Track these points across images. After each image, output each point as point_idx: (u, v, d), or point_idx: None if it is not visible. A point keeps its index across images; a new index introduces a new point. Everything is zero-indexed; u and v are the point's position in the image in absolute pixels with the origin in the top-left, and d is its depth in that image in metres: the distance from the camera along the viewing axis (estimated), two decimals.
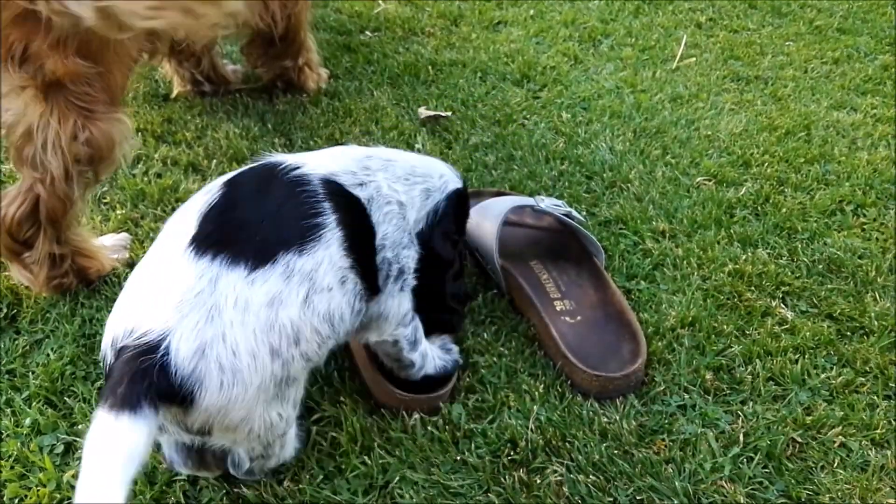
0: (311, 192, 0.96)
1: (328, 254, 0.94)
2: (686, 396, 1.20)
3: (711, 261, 1.47)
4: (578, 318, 1.30)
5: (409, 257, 1.08)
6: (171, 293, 0.86)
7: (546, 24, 2.38)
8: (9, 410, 1.14)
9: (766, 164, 1.75)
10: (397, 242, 1.06)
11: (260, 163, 1.02)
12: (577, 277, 1.39)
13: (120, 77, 1.27)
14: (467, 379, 1.21)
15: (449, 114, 1.90)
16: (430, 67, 2.10)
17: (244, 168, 1.03)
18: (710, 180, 1.70)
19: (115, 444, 0.77)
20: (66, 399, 1.16)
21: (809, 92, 2.08)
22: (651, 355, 1.26)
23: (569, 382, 1.20)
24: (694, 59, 2.23)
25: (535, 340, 1.28)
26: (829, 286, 1.43)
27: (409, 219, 1.09)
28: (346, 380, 1.21)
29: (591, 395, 1.18)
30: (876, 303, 1.40)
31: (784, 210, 1.61)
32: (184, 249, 0.89)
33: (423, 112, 1.90)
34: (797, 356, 1.28)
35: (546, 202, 1.44)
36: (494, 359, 1.24)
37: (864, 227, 1.59)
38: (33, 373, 1.20)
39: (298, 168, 0.99)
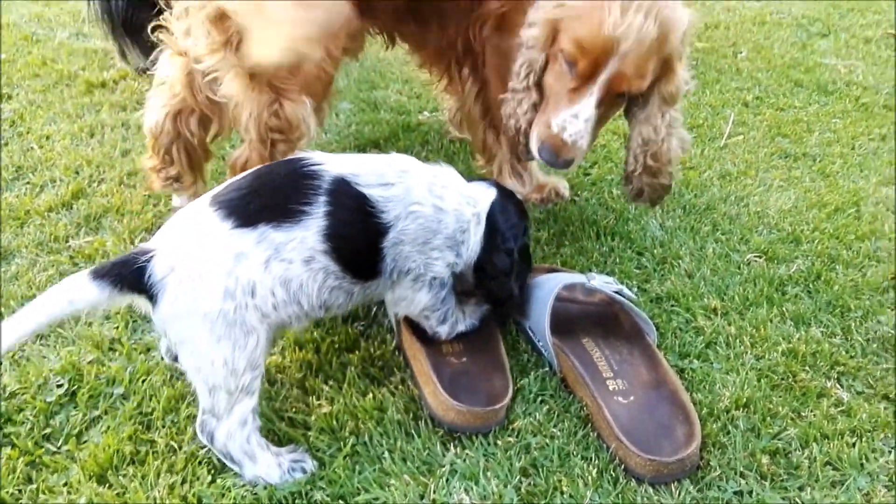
0: (313, 185, 1.12)
1: (303, 235, 1.10)
2: (742, 482, 1.12)
3: (764, 339, 1.39)
4: (631, 398, 1.23)
5: (441, 260, 1.22)
6: (179, 227, 1.10)
7: None
8: (64, 488, 1.11)
9: (817, 241, 1.67)
10: (422, 241, 1.19)
11: (295, 156, 1.19)
12: (629, 356, 1.32)
13: (315, 70, 1.51)
14: (520, 460, 1.15)
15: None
16: None
17: (284, 159, 1.22)
18: (760, 257, 1.63)
19: (64, 285, 1.03)
20: (121, 478, 1.12)
21: (857, 168, 2.00)
22: (706, 438, 1.18)
23: (622, 466, 1.13)
24: (741, 136, 2.16)
25: (588, 421, 1.21)
26: (884, 366, 1.34)
27: (451, 227, 1.21)
28: (396, 460, 1.15)
29: (645, 479, 1.11)
30: None
31: (836, 287, 1.53)
32: (206, 201, 1.11)
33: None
34: (854, 439, 1.19)
35: (597, 279, 1.38)
36: (547, 440, 1.18)
37: None
38: (89, 451, 1.16)
39: (318, 165, 1.14)
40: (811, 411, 1.24)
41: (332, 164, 1.15)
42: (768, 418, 1.22)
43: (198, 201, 1.14)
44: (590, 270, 1.55)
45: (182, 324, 1.06)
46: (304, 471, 1.11)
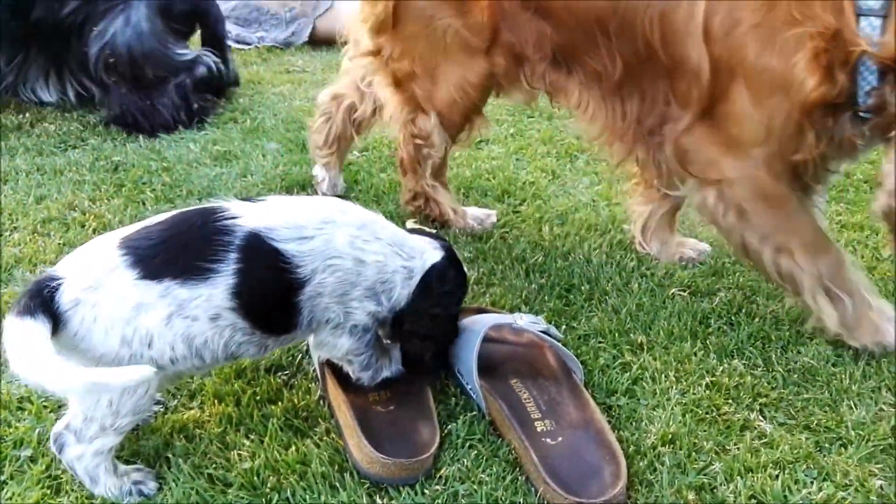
0: (224, 242, 1.12)
1: (209, 293, 1.10)
2: None
3: (689, 373, 1.42)
4: (560, 438, 1.24)
5: (361, 310, 1.21)
6: (87, 261, 1.11)
7: (525, 142, 2.39)
8: None
9: (738, 274, 1.72)
10: (340, 293, 1.19)
11: (214, 204, 1.18)
12: (557, 395, 1.34)
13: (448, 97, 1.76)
14: None
15: (433, 231, 1.87)
16: None
17: (202, 206, 1.20)
18: (684, 291, 1.66)
19: (26, 336, 1.01)
20: None
21: None
22: (633, 476, 1.20)
23: None
24: None
25: (517, 465, 1.22)
26: (804, 396, 1.38)
27: (371, 279, 1.20)
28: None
29: None
30: (852, 411, 1.34)
31: (757, 319, 1.57)
32: (115, 242, 1.11)
33: (410, 224, 1.88)
34: (777, 471, 1.22)
35: (525, 319, 1.40)
36: (475, 487, 1.17)
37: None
38: None
39: (233, 217, 1.14)
40: (735, 445, 1.27)
41: (249, 218, 1.15)
42: (694, 454, 1.25)
43: (107, 237, 1.14)
44: (518, 310, 1.57)
45: (78, 358, 1.07)
46: (141, 493, 1.13)
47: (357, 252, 1.19)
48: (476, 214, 1.90)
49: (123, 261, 1.09)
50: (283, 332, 1.20)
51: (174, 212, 1.19)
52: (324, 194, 1.98)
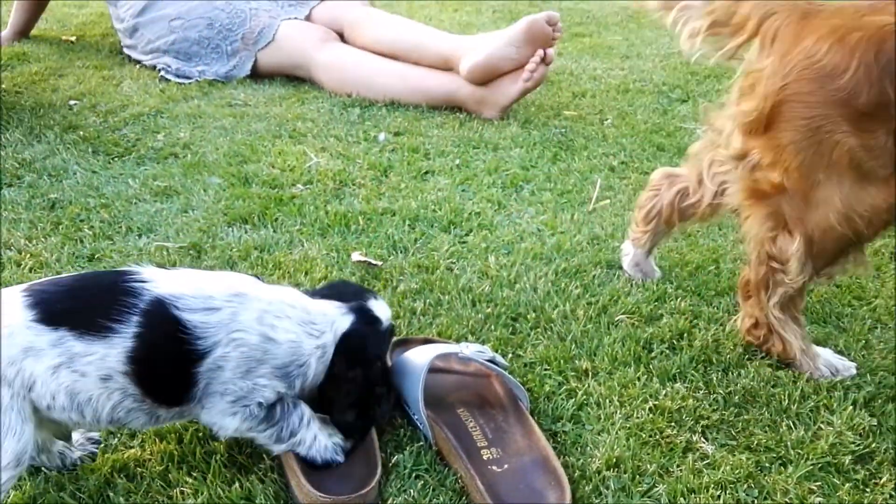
0: (128, 303, 1.11)
1: (105, 353, 1.10)
2: None
3: (633, 398, 1.46)
4: (505, 466, 1.27)
5: (269, 388, 1.18)
6: None
7: (471, 173, 2.43)
8: None
9: (680, 299, 1.77)
10: (245, 369, 1.16)
11: (126, 269, 1.18)
12: (504, 423, 1.36)
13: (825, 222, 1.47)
14: None
15: (379, 263, 1.90)
16: (360, 217, 2.11)
17: (115, 270, 1.23)
18: (629, 317, 1.71)
19: None
20: None
21: (716, 227, 2.13)
22: (578, 501, 1.23)
23: None
24: (609, 200, 2.28)
25: (464, 493, 1.24)
26: (745, 417, 1.43)
27: (282, 359, 1.18)
28: None
29: None
30: (791, 431, 1.39)
31: (698, 343, 1.62)
32: (23, 287, 1.12)
33: (356, 256, 1.90)
34: (720, 492, 1.26)
35: (471, 349, 1.43)
36: None
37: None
38: None
39: (144, 282, 1.14)
40: (678, 467, 1.31)
41: (159, 283, 1.15)
42: (638, 476, 1.28)
43: (17, 288, 1.14)
44: (465, 339, 1.59)
45: None
46: None
47: (265, 329, 1.18)
48: (831, 361, 1.59)
49: (24, 301, 1.09)
50: (176, 403, 1.18)
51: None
52: (625, 271, 1.90)
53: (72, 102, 2.91)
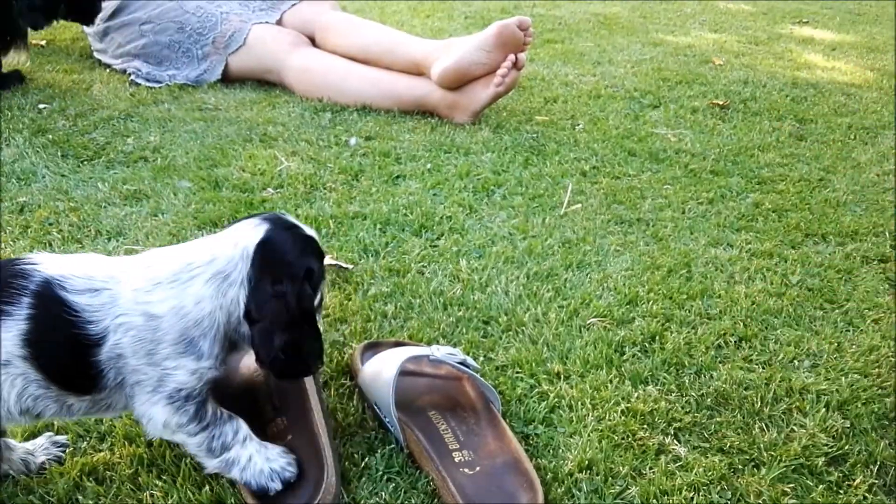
0: (18, 286, 1.08)
1: (1, 337, 1.06)
2: None
3: (605, 400, 1.45)
4: (477, 468, 1.26)
5: (182, 369, 1.11)
6: None
7: (443, 177, 2.42)
8: None
9: (652, 302, 1.77)
10: (144, 352, 1.09)
11: (18, 256, 1.15)
12: (475, 426, 1.35)
13: None
14: None
15: (350, 266, 1.89)
16: (331, 221, 2.10)
17: (8, 259, 1.17)
18: (601, 320, 1.71)
19: None
20: None
21: (688, 231, 2.14)
22: (550, 503, 1.22)
23: None
24: (580, 205, 2.28)
25: (436, 496, 1.22)
26: (718, 419, 1.43)
27: (175, 330, 1.10)
28: None
29: None
30: (764, 433, 1.39)
31: (670, 346, 1.62)
32: None
33: (327, 260, 1.89)
34: (693, 494, 1.26)
35: (442, 351, 1.41)
36: None
37: (748, 358, 1.61)
38: None
39: (31, 264, 1.10)
40: (651, 469, 1.30)
41: (47, 265, 1.11)
42: (610, 479, 1.28)
43: None
44: (436, 342, 1.58)
45: None
46: None
47: (143, 306, 1.10)
48: None
49: None
50: (84, 391, 1.12)
51: None
52: None
53: (41, 106, 2.87)
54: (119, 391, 1.13)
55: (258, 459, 1.17)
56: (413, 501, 1.21)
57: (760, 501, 1.25)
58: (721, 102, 3.29)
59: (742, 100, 3.36)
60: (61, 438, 1.29)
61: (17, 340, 1.07)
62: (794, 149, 2.83)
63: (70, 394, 1.12)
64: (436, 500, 1.21)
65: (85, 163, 2.43)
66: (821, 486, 1.29)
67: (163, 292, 1.11)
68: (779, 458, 1.34)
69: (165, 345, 1.10)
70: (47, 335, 1.08)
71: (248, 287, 1.11)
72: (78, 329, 1.08)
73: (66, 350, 1.10)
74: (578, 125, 2.95)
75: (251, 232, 1.14)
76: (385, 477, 1.26)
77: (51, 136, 2.57)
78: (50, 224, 2.03)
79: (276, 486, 1.17)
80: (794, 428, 1.42)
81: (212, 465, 1.17)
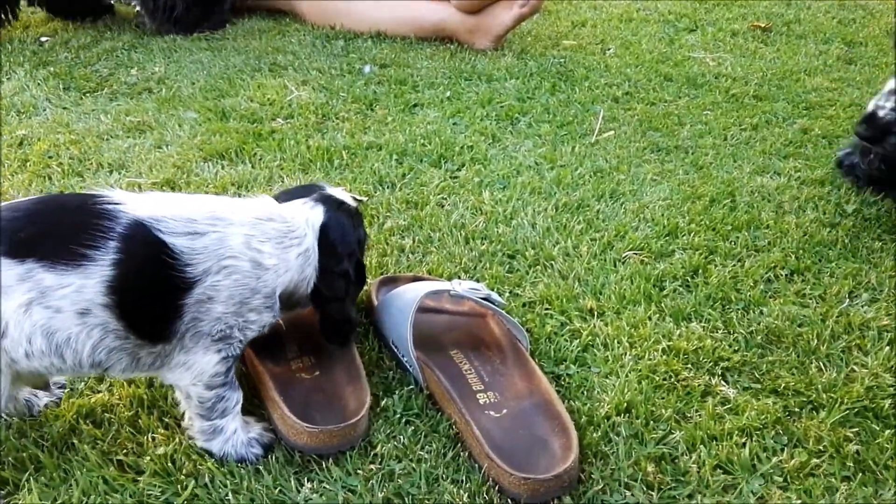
0: (104, 227, 0.98)
1: (81, 283, 0.97)
2: (627, 493, 1.05)
3: (644, 338, 1.34)
4: (504, 411, 1.15)
5: (255, 323, 1.08)
6: None
7: (463, 105, 2.28)
8: None
9: (693, 234, 1.64)
10: (237, 299, 1.05)
11: (91, 191, 1.04)
12: (501, 366, 1.24)
13: None
14: (383, 490, 1.04)
15: (365, 198, 1.77)
16: (344, 152, 1.97)
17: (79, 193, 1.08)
18: (637, 253, 1.58)
19: None
20: None
21: (731, 159, 2.00)
22: (586, 448, 1.11)
23: (496, 487, 1.04)
24: (612, 132, 2.14)
25: (458, 440, 1.12)
26: (769, 358, 1.31)
27: (273, 281, 1.09)
28: (242, 503, 1.03)
29: (521, 500, 1.02)
30: (821, 373, 1.28)
31: (715, 280, 1.49)
32: None
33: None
34: (744, 439, 1.14)
35: (463, 286, 1.30)
36: (413, 465, 1.08)
37: (801, 293, 1.48)
38: None
39: (114, 204, 1.01)
40: (696, 412, 1.19)
41: (134, 205, 1.02)
42: (651, 423, 1.16)
43: None
44: (458, 277, 1.47)
45: None
46: None
47: (254, 253, 1.07)
48: None
49: None
50: (160, 339, 1.04)
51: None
52: None
53: (43, 39, 2.78)
54: (179, 341, 1.05)
55: (241, 432, 1.12)
56: (434, 446, 1.11)
57: (821, 447, 1.14)
58: (763, 25, 3.11)
59: (785, 22, 3.18)
60: (61, 379, 1.21)
61: (101, 287, 0.98)
62: (844, 73, 2.66)
63: (146, 344, 1.04)
64: (459, 445, 1.11)
65: (87, 95, 2.34)
66: (888, 431, 1.17)
67: (272, 248, 1.10)
68: (839, 400, 1.22)
69: (260, 297, 1.08)
70: (138, 281, 1.00)
71: (318, 270, 1.16)
72: (175, 272, 1.01)
73: (157, 295, 1.02)
74: (609, 50, 2.79)
75: (312, 215, 1.18)
76: (403, 419, 1.16)
77: (53, 69, 2.49)
78: (50, 157, 1.94)
79: (252, 457, 1.11)
80: (855, 367, 1.29)
81: (200, 426, 1.10)
